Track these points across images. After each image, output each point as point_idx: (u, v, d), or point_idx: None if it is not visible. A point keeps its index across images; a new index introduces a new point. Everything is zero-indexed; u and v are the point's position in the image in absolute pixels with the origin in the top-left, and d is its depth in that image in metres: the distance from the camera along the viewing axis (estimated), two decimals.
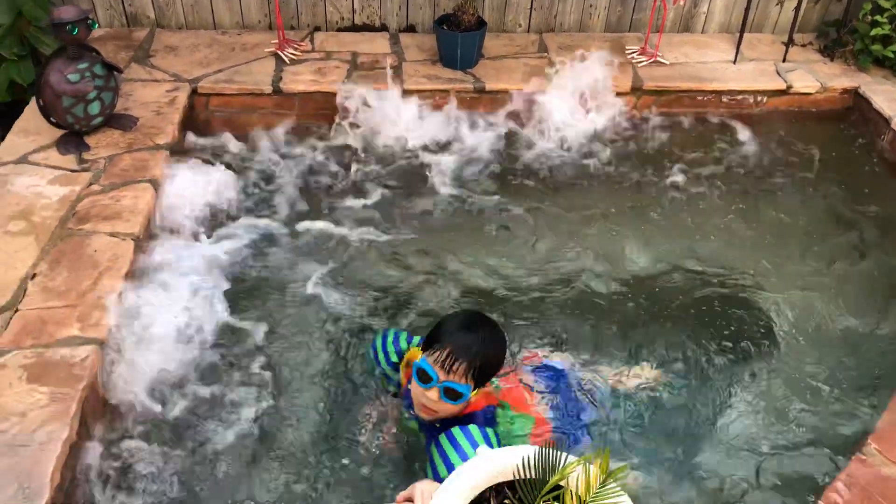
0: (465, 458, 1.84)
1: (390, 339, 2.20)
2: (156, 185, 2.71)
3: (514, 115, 3.41)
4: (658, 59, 3.65)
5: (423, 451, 2.02)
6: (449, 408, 1.91)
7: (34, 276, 2.29)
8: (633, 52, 3.71)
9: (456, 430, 1.88)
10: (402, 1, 3.74)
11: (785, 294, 2.71)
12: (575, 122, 3.32)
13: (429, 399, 1.89)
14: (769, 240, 2.98)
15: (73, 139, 2.85)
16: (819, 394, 2.36)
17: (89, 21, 2.63)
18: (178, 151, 2.99)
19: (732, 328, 2.58)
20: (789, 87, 3.56)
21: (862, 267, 2.88)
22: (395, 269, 2.75)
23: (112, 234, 2.47)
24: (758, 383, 2.37)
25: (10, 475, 1.76)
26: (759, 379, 2.38)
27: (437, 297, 2.64)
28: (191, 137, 3.12)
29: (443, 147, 3.28)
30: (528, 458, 1.27)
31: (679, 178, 3.23)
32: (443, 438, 1.89)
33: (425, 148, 3.26)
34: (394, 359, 2.15)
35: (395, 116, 3.25)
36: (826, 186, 3.26)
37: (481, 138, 3.30)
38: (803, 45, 3.89)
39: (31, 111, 3.03)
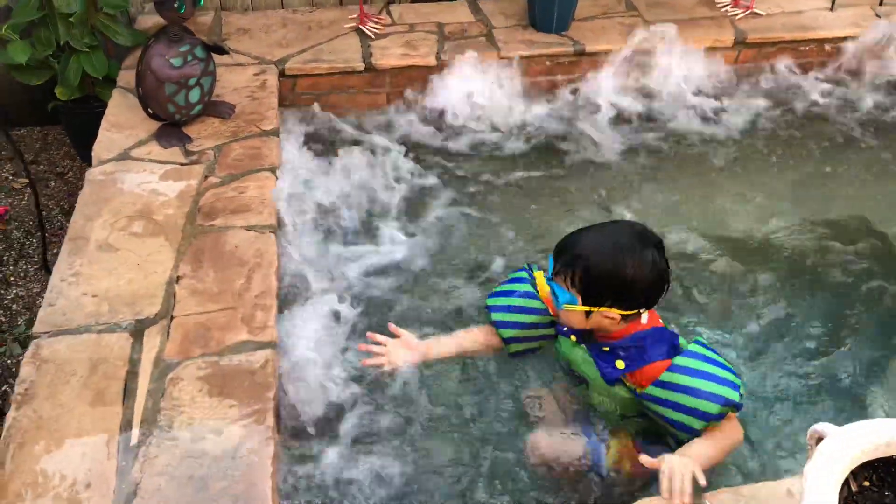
0: (711, 377, 1.65)
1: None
2: (275, 173, 2.49)
3: None
4: (754, 10, 3.48)
5: None
6: (566, 315, 1.76)
7: (179, 278, 2.07)
8: (727, 5, 3.53)
9: (681, 359, 1.69)
10: None
11: None
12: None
13: (546, 295, 1.83)
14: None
15: (172, 131, 2.61)
16: None
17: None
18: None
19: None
20: None
21: None
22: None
23: (248, 228, 2.25)
24: None
25: (226, 499, 1.56)
26: None
27: None
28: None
29: None
30: None
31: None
32: (668, 375, 1.69)
33: None
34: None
35: None
36: None
37: None
38: None
39: (116, 105, 2.79)
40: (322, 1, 3.50)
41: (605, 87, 3.21)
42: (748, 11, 3.47)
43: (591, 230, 1.76)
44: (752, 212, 2.74)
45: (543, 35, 3.28)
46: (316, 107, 3.05)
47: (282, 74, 3.05)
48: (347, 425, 1.94)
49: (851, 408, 2.03)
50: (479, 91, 3.10)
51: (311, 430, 1.89)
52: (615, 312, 1.70)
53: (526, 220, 2.71)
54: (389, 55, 3.14)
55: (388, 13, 3.46)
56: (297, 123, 2.95)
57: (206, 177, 2.45)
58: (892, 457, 1.22)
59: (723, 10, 3.52)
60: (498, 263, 2.49)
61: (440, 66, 3.13)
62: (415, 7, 3.52)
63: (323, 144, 2.93)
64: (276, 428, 1.73)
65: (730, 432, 1.69)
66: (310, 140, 2.89)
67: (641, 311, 1.74)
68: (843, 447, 1.20)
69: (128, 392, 1.77)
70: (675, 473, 1.50)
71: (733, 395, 1.65)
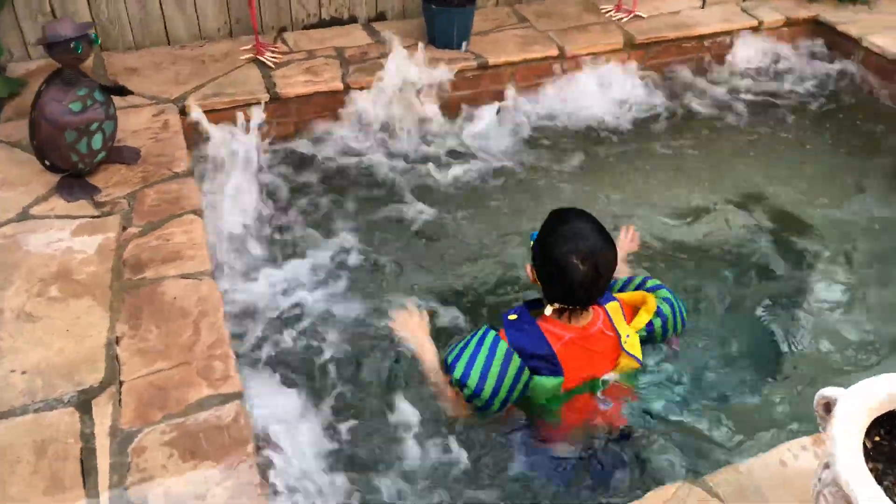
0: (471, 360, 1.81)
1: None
2: (200, 215, 2.35)
3: None
4: (636, 13, 3.66)
5: None
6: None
7: (118, 340, 1.90)
8: (610, 11, 3.69)
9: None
10: None
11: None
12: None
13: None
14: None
15: (76, 182, 2.40)
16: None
17: (92, 36, 2.22)
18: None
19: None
20: (761, 22, 3.69)
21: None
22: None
23: (184, 277, 2.10)
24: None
25: None
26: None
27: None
28: None
29: None
30: None
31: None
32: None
33: None
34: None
35: None
36: (822, 110, 3.44)
37: None
38: None
39: (0, 161, 2.54)
40: (210, 34, 3.36)
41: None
42: (631, 15, 3.65)
43: (586, 217, 1.82)
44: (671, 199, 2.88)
45: (445, 52, 3.30)
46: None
47: (182, 112, 2.88)
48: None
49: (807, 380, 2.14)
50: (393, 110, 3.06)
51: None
52: (532, 273, 1.86)
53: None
54: (294, 83, 3.05)
55: (283, 41, 3.36)
56: None
57: (124, 228, 2.27)
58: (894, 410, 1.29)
59: (607, 15, 3.68)
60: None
61: (347, 91, 3.08)
62: (309, 33, 3.44)
63: None
64: (262, 482, 1.61)
65: (451, 397, 1.87)
66: None
67: (546, 298, 1.83)
68: (857, 407, 1.25)
69: (87, 472, 1.59)
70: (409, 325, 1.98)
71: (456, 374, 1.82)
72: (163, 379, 1.80)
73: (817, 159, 3.14)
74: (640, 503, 1.57)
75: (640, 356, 1.90)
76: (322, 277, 2.45)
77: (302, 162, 2.97)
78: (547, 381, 1.81)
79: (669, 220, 2.77)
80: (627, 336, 1.88)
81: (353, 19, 3.55)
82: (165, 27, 3.27)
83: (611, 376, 1.89)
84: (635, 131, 3.24)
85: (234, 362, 1.86)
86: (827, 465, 1.26)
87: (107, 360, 1.84)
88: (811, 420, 1.99)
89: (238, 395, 1.77)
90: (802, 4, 3.86)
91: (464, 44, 3.21)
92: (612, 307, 1.89)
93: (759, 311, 2.41)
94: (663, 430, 1.92)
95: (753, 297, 2.46)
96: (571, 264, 1.73)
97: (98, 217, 2.31)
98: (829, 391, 1.31)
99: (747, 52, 3.62)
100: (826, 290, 2.50)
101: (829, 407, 1.32)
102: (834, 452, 1.20)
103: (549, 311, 1.83)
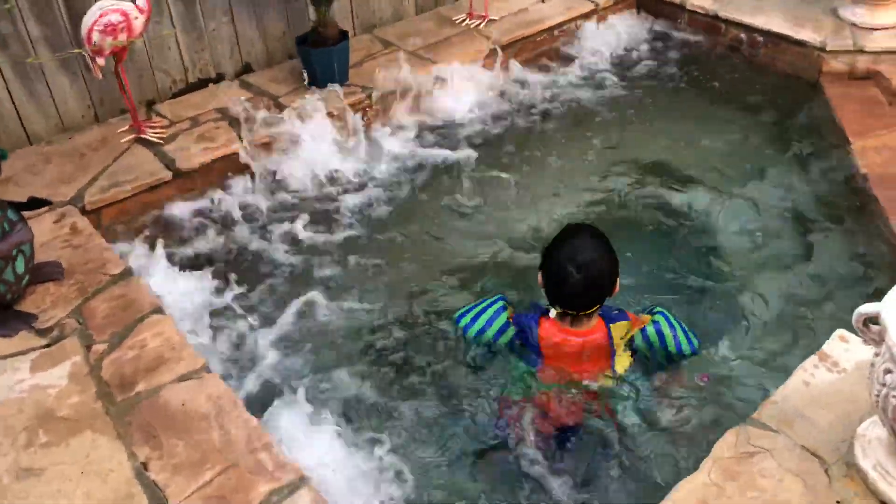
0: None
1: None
2: (163, 313, 2.19)
3: None
4: (490, 17, 3.84)
5: None
6: None
7: (145, 465, 1.75)
8: (464, 19, 3.85)
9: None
10: (233, 43, 3.40)
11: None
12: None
13: None
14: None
15: (7, 314, 2.16)
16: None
17: (2, 152, 2.00)
18: None
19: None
20: (597, 5, 4.02)
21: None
22: None
23: (181, 380, 1.96)
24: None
25: None
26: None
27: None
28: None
29: None
30: None
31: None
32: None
33: None
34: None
35: None
36: (668, 72, 3.82)
37: None
38: None
39: None
40: (75, 123, 3.10)
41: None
42: (486, 20, 3.82)
43: (592, 231, 2.01)
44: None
45: (330, 90, 3.28)
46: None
47: (83, 211, 2.66)
48: None
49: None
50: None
51: None
52: (540, 278, 2.00)
53: None
54: (192, 154, 2.91)
55: (158, 113, 3.18)
56: None
57: (88, 347, 2.07)
58: None
59: (463, 24, 3.82)
60: None
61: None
62: (182, 100, 3.28)
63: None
64: None
65: None
66: None
67: (549, 301, 2.01)
68: None
69: None
70: None
71: None
72: (216, 488, 1.69)
73: (682, 117, 3.49)
74: (712, 457, 1.71)
75: (620, 372, 2.05)
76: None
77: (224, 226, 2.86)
78: (521, 364, 2.07)
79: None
80: (622, 351, 2.06)
81: (221, 77, 3.43)
82: (23, 126, 2.99)
83: (590, 384, 2.05)
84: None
85: (280, 447, 1.78)
86: (888, 371, 1.45)
87: (144, 488, 1.70)
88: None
89: (302, 480, 1.70)
90: None
91: None
92: (618, 325, 2.03)
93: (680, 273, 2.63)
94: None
95: (668, 259, 2.69)
96: (566, 270, 1.91)
97: (51, 345, 2.09)
98: (867, 308, 1.51)
99: (591, 34, 3.93)
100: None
101: (867, 322, 1.52)
102: None
103: (553, 313, 2.02)
